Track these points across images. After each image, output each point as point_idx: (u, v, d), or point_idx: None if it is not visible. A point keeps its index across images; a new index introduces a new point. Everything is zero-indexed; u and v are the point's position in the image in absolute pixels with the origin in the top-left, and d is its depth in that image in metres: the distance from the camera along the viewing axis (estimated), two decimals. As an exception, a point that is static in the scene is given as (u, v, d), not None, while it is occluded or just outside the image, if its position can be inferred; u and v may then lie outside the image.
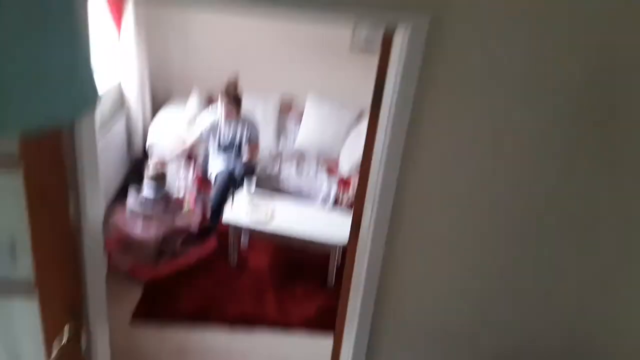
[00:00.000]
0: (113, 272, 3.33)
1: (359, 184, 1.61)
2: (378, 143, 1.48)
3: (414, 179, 1.46)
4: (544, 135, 1.42)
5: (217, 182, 3.81)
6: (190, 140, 3.96)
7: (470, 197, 1.49)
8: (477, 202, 1.50)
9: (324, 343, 3.00)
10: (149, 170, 3.51)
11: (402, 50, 1.32)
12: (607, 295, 1.62)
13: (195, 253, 3.58)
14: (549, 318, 1.65)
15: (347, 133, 4.48)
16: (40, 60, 0.56)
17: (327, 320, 3.16)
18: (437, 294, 1.61)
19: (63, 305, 1.38)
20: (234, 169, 3.89)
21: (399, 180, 1.45)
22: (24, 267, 1.39)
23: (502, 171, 1.46)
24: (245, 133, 3.96)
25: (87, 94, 0.63)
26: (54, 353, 1.36)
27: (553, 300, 1.63)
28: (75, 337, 1.41)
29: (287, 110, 4.66)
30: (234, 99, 3.79)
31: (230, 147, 3.99)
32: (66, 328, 1.39)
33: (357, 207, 1.61)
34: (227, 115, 3.80)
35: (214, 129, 3.93)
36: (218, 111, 3.88)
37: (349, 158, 4.25)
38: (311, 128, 4.52)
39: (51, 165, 1.25)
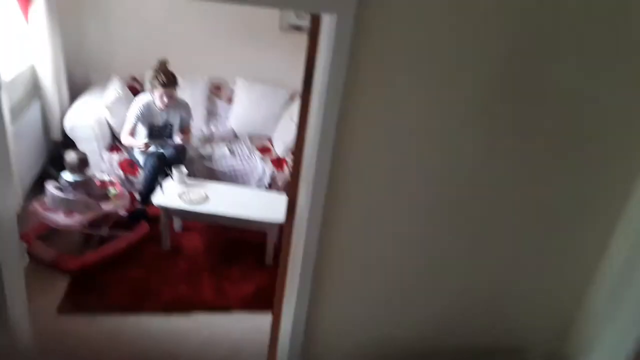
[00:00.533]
0: (36, 264, 3.13)
1: (293, 163, 1.61)
2: (311, 122, 1.48)
3: (346, 156, 1.47)
4: (467, 110, 1.48)
5: (147, 165, 3.65)
6: (128, 128, 3.76)
7: (400, 173, 1.53)
8: (406, 178, 1.54)
9: (264, 320, 3.01)
10: (69, 155, 3.29)
11: (331, 29, 1.32)
12: (522, 271, 1.74)
13: (125, 239, 3.44)
14: (469, 293, 1.75)
15: (280, 114, 4.45)
16: None
17: (266, 299, 3.16)
18: (370, 269, 1.65)
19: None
20: (164, 152, 3.75)
21: (332, 158, 1.46)
22: None
23: (429, 146, 1.51)
24: (179, 116, 3.82)
25: None
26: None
27: (473, 276, 1.73)
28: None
29: (217, 93, 4.54)
30: (171, 79, 3.63)
31: (163, 130, 3.83)
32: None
33: (292, 186, 1.61)
34: (169, 99, 3.63)
35: (147, 112, 3.74)
36: (152, 95, 3.70)
37: (283, 139, 4.23)
38: (243, 110, 4.44)
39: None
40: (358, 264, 1.63)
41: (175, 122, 3.84)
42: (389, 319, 1.74)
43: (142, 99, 3.78)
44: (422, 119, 1.47)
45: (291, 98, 4.50)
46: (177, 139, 3.84)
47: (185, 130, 3.90)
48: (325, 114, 1.39)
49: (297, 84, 4.42)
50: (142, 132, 3.81)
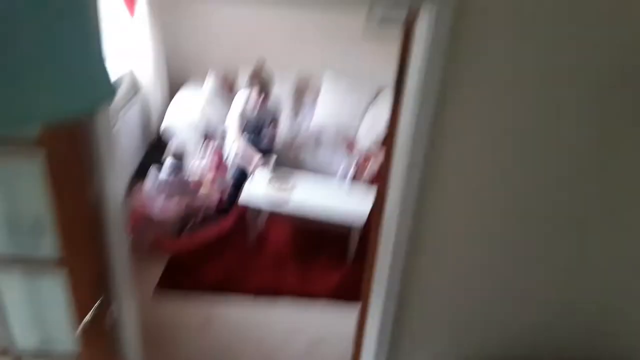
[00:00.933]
0: (135, 250, 3.38)
1: (384, 156, 1.58)
2: (403, 118, 1.44)
3: (441, 151, 1.42)
4: (578, 103, 1.37)
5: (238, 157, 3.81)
6: (235, 128, 3.94)
7: (499, 174, 1.45)
8: (505, 176, 1.46)
9: (347, 312, 3.03)
10: (168, 151, 3.52)
11: (428, 21, 1.27)
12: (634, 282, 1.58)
13: (217, 226, 3.61)
14: (574, 300, 1.62)
15: (365, 110, 4.43)
16: (58, 56, 0.57)
17: (350, 291, 3.18)
18: (464, 269, 1.59)
19: (90, 281, 1.40)
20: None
21: (426, 153, 1.41)
22: (49, 246, 1.40)
23: (532, 143, 1.41)
24: (269, 116, 3.96)
25: (105, 89, 0.65)
26: (82, 326, 1.39)
27: (579, 284, 1.60)
28: (102, 311, 1.44)
29: (305, 87, 4.60)
30: (267, 85, 3.78)
31: (255, 125, 3.99)
32: (94, 299, 1.41)
33: (382, 182, 1.58)
34: (259, 103, 3.79)
35: (242, 115, 3.92)
36: (246, 98, 3.86)
37: (368, 135, 4.21)
38: (328, 106, 4.47)
39: (71, 150, 1.26)
40: (450, 263, 1.58)
41: (267, 117, 3.96)
42: (482, 321, 1.66)
43: (240, 97, 3.95)
44: (524, 116, 1.38)
45: (378, 92, 4.45)
46: (266, 138, 3.96)
47: (274, 123, 4.02)
48: (419, 109, 1.35)
49: (384, 77, 4.43)
50: (235, 133, 3.97)
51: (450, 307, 1.64)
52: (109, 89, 0.65)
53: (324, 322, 2.99)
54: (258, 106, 3.87)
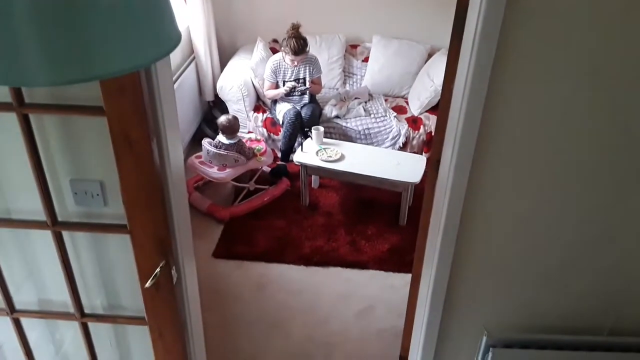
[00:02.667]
0: (193, 212, 3.50)
1: (438, 120, 1.54)
2: (460, 76, 1.39)
3: (497, 115, 1.36)
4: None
5: (286, 123, 3.83)
6: (267, 84, 3.99)
7: (560, 130, 1.38)
8: (568, 134, 1.38)
9: (397, 279, 3.05)
10: (222, 118, 3.58)
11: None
12: None
13: (268, 193, 3.68)
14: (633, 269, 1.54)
15: (417, 71, 4.30)
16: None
17: (400, 258, 3.18)
18: (520, 233, 1.54)
19: (153, 241, 1.47)
20: (300, 109, 3.89)
21: (482, 117, 1.36)
22: (115, 207, 1.48)
23: (599, 102, 1.33)
24: (307, 70, 3.92)
25: (169, 33, 0.62)
26: (148, 283, 1.46)
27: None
28: (165, 270, 1.51)
29: (353, 52, 4.52)
30: (301, 46, 3.74)
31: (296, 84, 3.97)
32: (158, 261, 1.48)
33: (436, 142, 1.55)
34: (296, 55, 3.75)
35: (277, 68, 3.91)
36: (283, 55, 3.85)
37: (419, 97, 4.10)
38: (378, 68, 4.37)
39: (132, 112, 1.29)
40: (503, 230, 1.53)
41: (305, 76, 3.93)
42: (536, 290, 1.62)
43: (274, 57, 3.97)
44: (587, 81, 1.30)
45: (428, 55, 4.31)
46: (308, 85, 3.93)
47: (315, 82, 3.98)
48: (475, 69, 1.30)
49: (435, 39, 4.29)
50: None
51: (503, 276, 1.60)
52: (175, 32, 0.62)
53: (374, 289, 3.01)
54: (295, 65, 3.85)
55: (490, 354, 1.55)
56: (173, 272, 1.54)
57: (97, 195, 1.50)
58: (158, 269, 1.48)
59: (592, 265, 1.57)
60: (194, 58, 4.25)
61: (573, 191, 1.46)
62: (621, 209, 1.48)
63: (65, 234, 1.52)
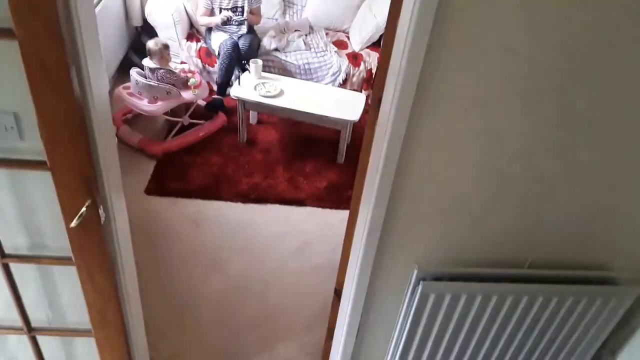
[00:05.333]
0: (123, 147, 3.32)
1: (381, 56, 1.50)
2: (405, 12, 1.34)
3: (442, 54, 1.34)
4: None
5: (222, 54, 3.64)
6: (202, 10, 3.72)
7: (501, 71, 1.39)
8: (507, 77, 1.40)
9: (335, 215, 3.10)
10: (150, 42, 3.32)
11: None
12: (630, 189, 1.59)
13: (204, 128, 3.54)
14: (566, 208, 1.64)
15: (358, 6, 4.18)
16: None
17: (338, 195, 3.22)
18: (455, 176, 1.58)
19: (77, 179, 1.37)
20: (237, 39, 3.70)
21: (426, 54, 1.33)
22: (33, 141, 1.35)
23: (535, 43, 1.34)
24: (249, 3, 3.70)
25: None
26: (73, 223, 1.38)
27: (571, 193, 1.60)
28: (92, 209, 1.42)
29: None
30: None
31: (232, 13, 3.75)
32: (83, 200, 1.39)
33: (378, 81, 1.52)
34: None
35: None
36: None
37: (360, 32, 4.02)
38: (318, 4, 4.20)
39: (47, 35, 1.15)
40: (443, 168, 1.56)
41: (244, 4, 3.72)
42: (464, 229, 1.69)
43: None
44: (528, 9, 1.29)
45: (372, -12, 4.19)
46: (246, 25, 3.74)
47: (254, 11, 3.79)
48: (421, 5, 1.25)
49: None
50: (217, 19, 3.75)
51: (435, 215, 1.66)
52: None
53: (311, 226, 3.05)
54: None
55: (420, 287, 1.63)
56: (100, 211, 1.46)
57: (12, 128, 1.36)
58: (84, 208, 1.39)
59: (514, 207, 1.65)
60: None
61: (504, 136, 1.50)
62: (544, 154, 1.54)
63: (-24, 170, 1.38)
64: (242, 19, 3.71)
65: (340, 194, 3.23)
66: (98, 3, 3.44)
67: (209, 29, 3.82)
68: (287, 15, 4.31)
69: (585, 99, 1.45)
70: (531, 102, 1.46)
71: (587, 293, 1.67)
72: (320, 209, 3.16)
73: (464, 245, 1.73)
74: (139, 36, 4.15)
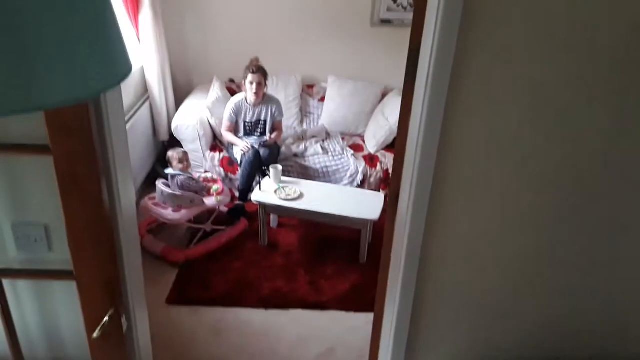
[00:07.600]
0: (146, 256, 3.36)
1: (396, 155, 1.55)
2: (415, 111, 1.41)
3: (454, 150, 1.39)
4: (590, 87, 1.33)
5: (244, 162, 3.79)
6: (226, 125, 3.97)
7: (514, 162, 1.42)
8: (523, 166, 1.42)
9: (360, 318, 2.99)
10: (170, 151, 3.52)
11: (439, 10, 1.25)
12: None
13: (226, 234, 3.58)
14: (595, 294, 1.58)
15: (372, 110, 4.41)
16: (65, 26, 0.50)
17: (361, 297, 3.14)
18: (481, 265, 1.55)
19: (102, 288, 1.38)
20: (259, 148, 3.87)
21: (439, 150, 1.38)
22: (61, 252, 1.38)
23: (550, 134, 1.38)
24: (270, 112, 3.93)
25: (119, 63, 0.58)
26: (96, 333, 1.36)
27: (603, 275, 1.56)
28: (115, 319, 1.41)
29: (310, 91, 4.60)
30: (260, 67, 3.79)
31: (255, 127, 3.97)
32: (106, 309, 1.38)
33: (395, 177, 1.56)
34: (257, 87, 3.77)
35: (238, 109, 3.92)
36: (244, 89, 3.88)
37: (375, 135, 4.18)
38: (334, 107, 4.45)
39: (81, 151, 1.23)
40: (465, 263, 1.54)
41: (267, 118, 3.94)
42: (497, 324, 1.62)
43: (236, 97, 3.98)
44: (536, 109, 1.35)
45: (383, 94, 4.44)
46: (269, 136, 3.95)
47: (276, 126, 4.00)
48: (431, 105, 1.33)
49: (389, 79, 4.42)
50: (239, 131, 3.97)
51: (464, 309, 1.60)
52: (124, 63, 0.59)
53: (335, 331, 2.94)
54: (254, 104, 3.87)
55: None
56: (123, 320, 1.45)
57: (41, 239, 1.41)
58: (106, 318, 1.38)
59: (548, 305, 1.59)
60: (147, 98, 4.19)
61: (529, 224, 1.49)
62: (577, 246, 1.51)
63: (6, 282, 1.41)
64: (264, 139, 3.92)
65: (364, 296, 3.14)
66: (128, 120, 3.70)
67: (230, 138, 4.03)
68: (305, 124, 4.54)
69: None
70: (553, 195, 1.46)
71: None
72: (343, 313, 3.06)
73: (495, 341, 1.64)
74: (165, 150, 4.39)
